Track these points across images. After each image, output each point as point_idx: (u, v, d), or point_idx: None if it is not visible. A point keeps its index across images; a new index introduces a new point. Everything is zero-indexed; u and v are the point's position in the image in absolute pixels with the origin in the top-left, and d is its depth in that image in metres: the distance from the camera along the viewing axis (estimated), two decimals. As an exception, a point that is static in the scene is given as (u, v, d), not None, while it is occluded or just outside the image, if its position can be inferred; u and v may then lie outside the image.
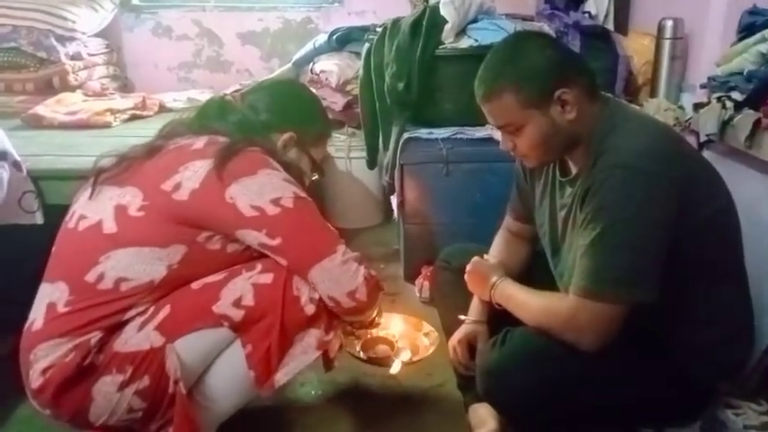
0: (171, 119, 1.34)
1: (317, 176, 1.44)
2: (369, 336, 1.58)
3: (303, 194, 1.20)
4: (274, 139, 1.31)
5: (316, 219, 1.21)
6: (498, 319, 1.38)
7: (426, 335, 1.63)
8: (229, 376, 1.20)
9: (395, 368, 1.52)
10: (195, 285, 1.18)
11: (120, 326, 1.13)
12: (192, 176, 1.14)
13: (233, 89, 2.55)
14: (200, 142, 1.21)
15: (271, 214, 1.14)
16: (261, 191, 1.14)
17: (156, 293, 1.15)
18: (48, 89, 2.70)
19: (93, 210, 1.18)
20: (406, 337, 1.63)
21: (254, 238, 1.16)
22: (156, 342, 1.13)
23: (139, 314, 1.14)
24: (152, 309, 1.15)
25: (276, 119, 1.32)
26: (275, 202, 1.15)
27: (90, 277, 1.12)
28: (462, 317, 1.46)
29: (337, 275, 1.17)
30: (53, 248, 1.21)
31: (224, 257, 1.19)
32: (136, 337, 1.13)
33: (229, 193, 1.13)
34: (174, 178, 1.15)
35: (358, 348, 1.56)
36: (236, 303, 1.15)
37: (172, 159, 1.19)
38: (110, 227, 1.15)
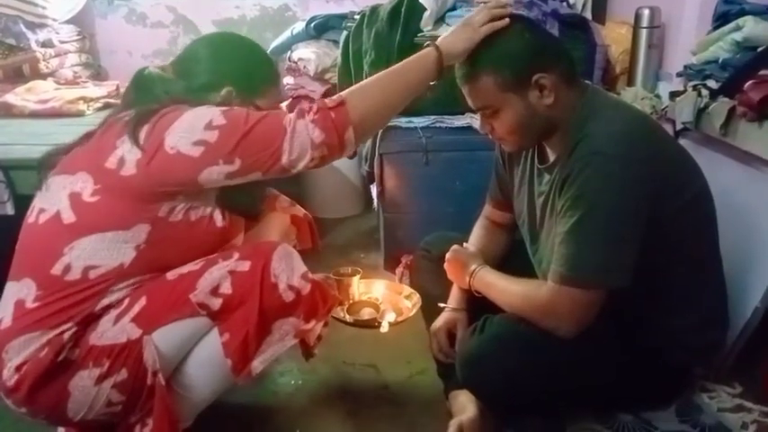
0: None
1: None
2: (352, 301, 1.60)
3: (229, 108, 1.13)
4: (212, 99, 1.20)
5: (251, 117, 1.11)
6: (477, 306, 1.39)
7: (408, 297, 1.64)
8: (206, 365, 1.18)
9: (384, 328, 1.53)
10: (170, 276, 1.16)
11: (95, 319, 1.11)
12: (131, 149, 1.10)
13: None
14: (131, 113, 1.16)
15: (213, 141, 1.08)
16: (192, 124, 1.09)
17: (128, 278, 1.13)
18: (17, 77, 2.63)
19: (49, 201, 1.15)
20: (389, 301, 1.64)
21: (218, 173, 1.10)
22: (133, 334, 1.11)
23: (114, 306, 1.12)
24: (127, 300, 1.13)
25: (207, 77, 1.22)
26: (209, 126, 1.09)
27: (56, 270, 1.10)
28: (442, 305, 1.47)
29: (296, 146, 1.10)
30: (17, 246, 1.18)
31: (190, 230, 1.17)
32: (112, 330, 1.11)
33: (169, 145, 1.09)
34: (116, 153, 1.11)
35: (343, 314, 1.56)
36: (214, 292, 1.14)
37: (109, 136, 1.15)
38: (68, 216, 1.12)
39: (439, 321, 1.45)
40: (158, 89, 1.20)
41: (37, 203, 1.18)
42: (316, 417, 1.54)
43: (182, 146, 1.09)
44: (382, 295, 1.67)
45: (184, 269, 1.16)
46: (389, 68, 1.21)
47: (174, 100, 1.17)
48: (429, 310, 1.53)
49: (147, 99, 1.19)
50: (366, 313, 1.58)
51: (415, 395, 1.61)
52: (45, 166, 1.21)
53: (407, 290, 1.67)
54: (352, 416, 1.53)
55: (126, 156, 1.10)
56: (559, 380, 1.24)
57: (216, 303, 1.14)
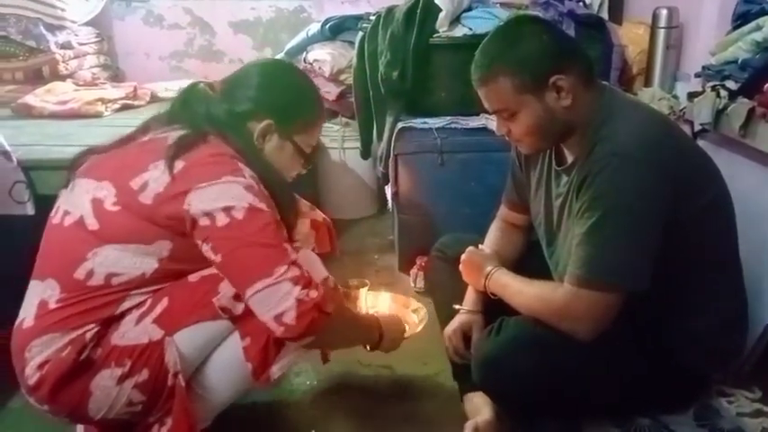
0: (161, 108, 1.29)
1: (304, 170, 1.33)
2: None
3: (260, 205, 1.10)
4: (251, 128, 1.21)
5: (264, 234, 1.08)
6: (493, 308, 1.38)
7: (415, 311, 1.62)
8: (227, 368, 1.19)
9: None
10: (193, 278, 1.16)
11: (117, 319, 1.12)
12: (158, 178, 1.10)
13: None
14: (175, 135, 1.16)
15: (219, 225, 1.07)
16: (217, 197, 1.08)
17: (150, 285, 1.14)
18: (37, 78, 2.67)
19: (74, 204, 1.16)
20: (395, 315, 1.63)
21: (204, 250, 1.10)
22: (155, 335, 1.12)
23: (136, 307, 1.13)
24: (149, 301, 1.14)
25: (249, 106, 1.21)
26: (227, 211, 1.07)
27: (79, 274, 1.11)
28: (457, 306, 1.46)
29: (264, 297, 1.06)
30: (41, 245, 1.19)
31: None
32: (134, 331, 1.12)
33: (188, 200, 1.08)
34: (143, 176, 1.11)
35: None
36: (236, 296, 1.14)
37: (145, 154, 1.15)
38: (91, 223, 1.12)
39: (454, 323, 1.45)
40: (200, 108, 1.21)
41: (62, 204, 1.19)
42: (331, 417, 1.54)
43: (194, 207, 1.08)
44: (389, 308, 1.65)
45: (206, 271, 1.16)
46: (359, 318, 1.47)
47: (213, 123, 1.18)
48: (444, 311, 1.52)
49: (187, 115, 1.21)
50: None
51: (431, 397, 1.61)
52: (76, 164, 1.21)
53: (414, 303, 1.65)
54: (367, 417, 1.54)
55: (150, 183, 1.10)
56: (576, 382, 1.23)
57: (239, 308, 1.14)
